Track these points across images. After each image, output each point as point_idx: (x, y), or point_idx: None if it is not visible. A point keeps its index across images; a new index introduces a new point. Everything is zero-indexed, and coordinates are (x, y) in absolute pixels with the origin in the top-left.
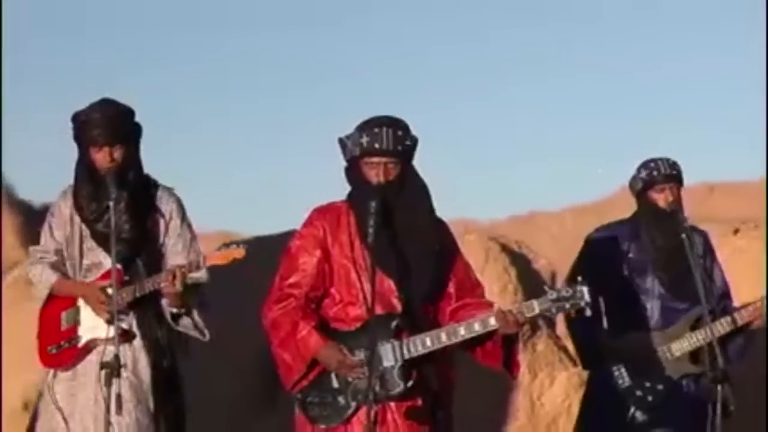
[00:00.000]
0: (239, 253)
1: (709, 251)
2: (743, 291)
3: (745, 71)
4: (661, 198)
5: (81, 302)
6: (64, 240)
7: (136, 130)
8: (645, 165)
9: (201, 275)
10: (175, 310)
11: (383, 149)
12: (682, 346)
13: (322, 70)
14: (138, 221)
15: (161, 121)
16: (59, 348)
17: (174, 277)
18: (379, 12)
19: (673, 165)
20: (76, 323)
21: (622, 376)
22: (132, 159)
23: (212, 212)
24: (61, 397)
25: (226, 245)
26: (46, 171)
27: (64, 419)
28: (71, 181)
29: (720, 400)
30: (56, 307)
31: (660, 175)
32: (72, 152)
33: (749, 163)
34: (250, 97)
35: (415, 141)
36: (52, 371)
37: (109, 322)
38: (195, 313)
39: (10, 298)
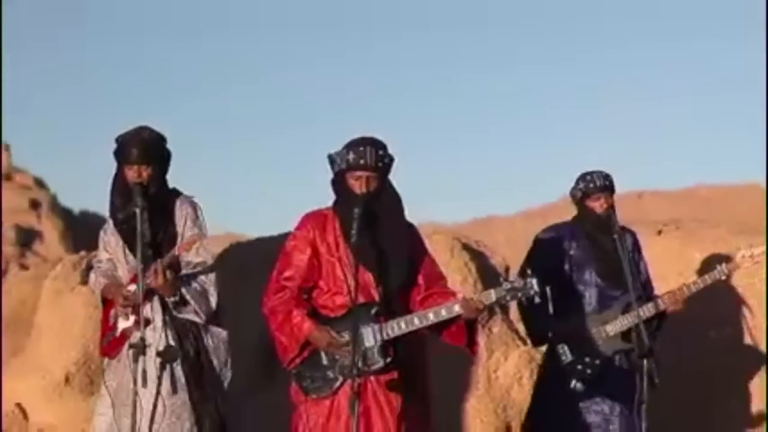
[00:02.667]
0: (194, 239)
1: (637, 248)
2: (669, 282)
3: (672, 90)
4: (597, 205)
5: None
6: (113, 249)
7: (164, 154)
8: (582, 177)
9: (200, 261)
10: (171, 299)
11: (366, 165)
12: (615, 327)
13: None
14: (158, 228)
15: (182, 138)
16: (107, 340)
17: (155, 272)
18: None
19: (606, 177)
20: (116, 319)
21: (565, 353)
22: (157, 177)
23: (221, 216)
24: (109, 379)
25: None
26: (84, 184)
27: (110, 394)
28: (105, 192)
29: (646, 372)
30: (110, 306)
31: (595, 187)
32: (106, 168)
33: (672, 172)
34: (256, 121)
35: (391, 159)
36: (106, 360)
37: (126, 315)
38: (192, 301)
39: (54, 289)
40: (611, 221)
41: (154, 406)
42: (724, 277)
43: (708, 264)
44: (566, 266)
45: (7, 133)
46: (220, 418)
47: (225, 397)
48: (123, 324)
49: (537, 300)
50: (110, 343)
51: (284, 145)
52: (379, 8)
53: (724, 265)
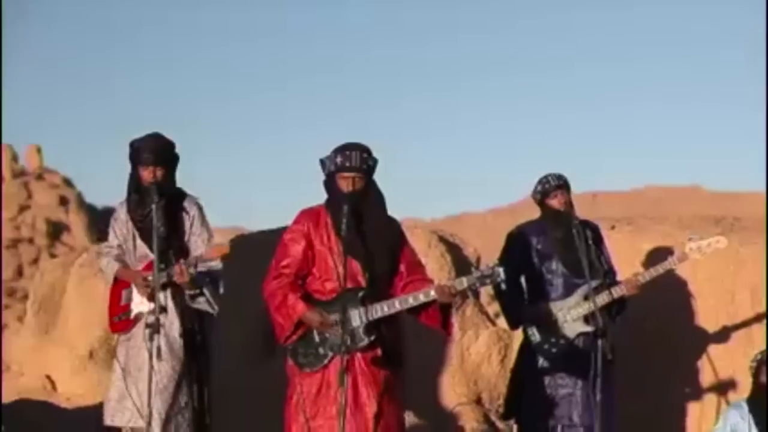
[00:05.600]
0: (225, 248)
1: (599, 240)
2: (622, 271)
3: (624, 99)
4: (555, 202)
5: (133, 285)
6: (123, 237)
7: (174, 158)
8: (540, 181)
9: (215, 264)
10: (189, 292)
11: (352, 167)
12: (578, 312)
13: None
14: (170, 223)
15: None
16: (119, 318)
17: (180, 271)
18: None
19: (560, 177)
20: (129, 300)
21: (534, 334)
22: (169, 177)
23: (228, 211)
24: (120, 354)
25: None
26: (107, 183)
27: (122, 369)
28: (125, 190)
29: (600, 350)
30: (119, 288)
31: (551, 186)
32: (125, 169)
33: (622, 176)
34: (259, 126)
35: (375, 161)
36: (117, 335)
37: (150, 298)
38: (207, 294)
39: (80, 275)
40: (571, 217)
41: (163, 380)
42: (674, 267)
43: (655, 255)
44: (535, 258)
45: (39, 137)
46: (207, 396)
47: (210, 378)
48: (140, 308)
49: (503, 286)
50: (122, 322)
51: (284, 149)
52: (365, 22)
53: (675, 256)
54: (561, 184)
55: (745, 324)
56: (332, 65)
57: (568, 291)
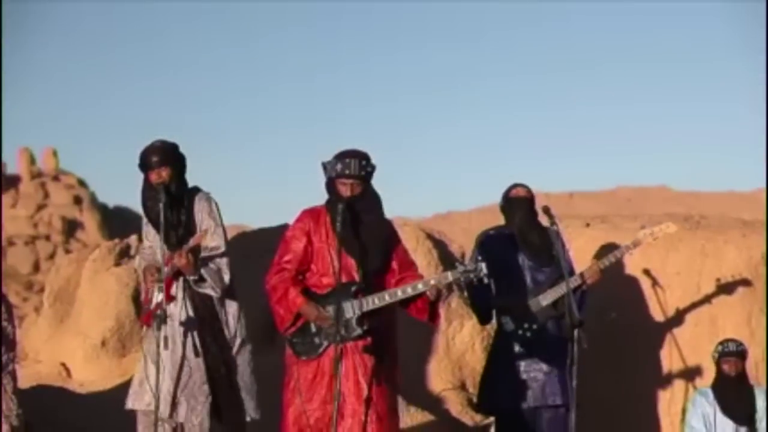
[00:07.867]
0: (200, 236)
1: (561, 241)
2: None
3: (599, 104)
4: (519, 191)
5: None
6: (152, 239)
7: (178, 158)
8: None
9: (215, 244)
10: (191, 277)
11: (351, 174)
12: (547, 298)
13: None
14: (179, 218)
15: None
16: (144, 312)
17: (179, 255)
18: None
19: (520, 183)
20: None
21: (508, 322)
22: (175, 176)
23: (229, 209)
24: (144, 344)
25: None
26: (117, 184)
27: (144, 357)
28: (135, 191)
29: (577, 340)
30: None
31: (514, 185)
32: (133, 172)
33: (598, 175)
34: (261, 128)
35: (373, 167)
36: (144, 328)
37: (160, 289)
38: (209, 278)
39: (93, 269)
40: (532, 203)
41: (180, 366)
42: (630, 253)
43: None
44: (502, 255)
45: (55, 141)
46: (230, 378)
47: (234, 360)
48: (155, 300)
49: (486, 281)
50: (146, 314)
51: (285, 149)
52: (362, 25)
53: (630, 242)
54: (521, 184)
55: (711, 314)
56: (331, 67)
57: (535, 281)
